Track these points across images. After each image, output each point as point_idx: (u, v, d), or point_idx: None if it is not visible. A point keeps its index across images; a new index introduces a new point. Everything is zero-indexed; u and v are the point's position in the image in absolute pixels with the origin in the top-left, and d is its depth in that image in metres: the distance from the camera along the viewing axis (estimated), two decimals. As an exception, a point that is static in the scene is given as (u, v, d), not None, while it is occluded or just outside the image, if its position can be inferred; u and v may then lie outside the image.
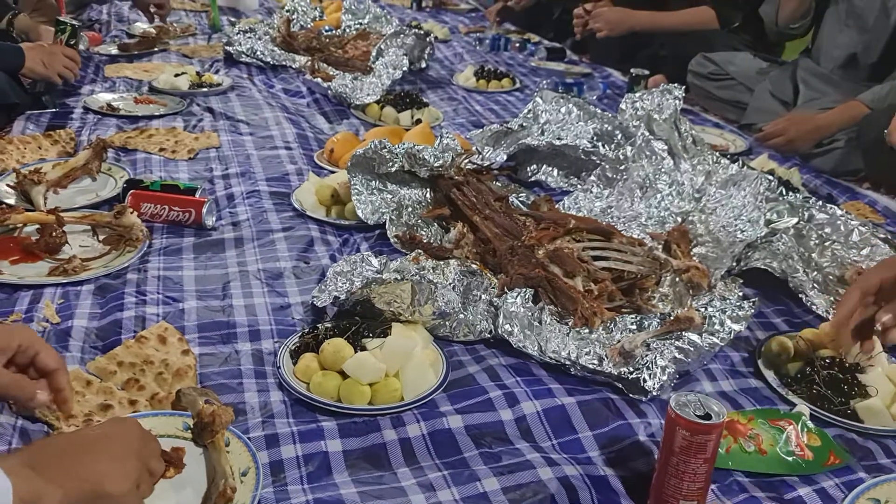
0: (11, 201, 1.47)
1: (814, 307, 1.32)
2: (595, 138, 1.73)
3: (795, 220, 1.44)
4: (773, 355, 1.15)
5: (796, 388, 1.10)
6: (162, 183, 1.52)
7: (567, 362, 1.10)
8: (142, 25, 2.95)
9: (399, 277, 1.12)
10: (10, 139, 1.77)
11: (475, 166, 1.68)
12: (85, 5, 3.31)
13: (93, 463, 0.74)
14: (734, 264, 1.37)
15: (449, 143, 1.62)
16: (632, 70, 2.38)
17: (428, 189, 1.59)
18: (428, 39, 2.63)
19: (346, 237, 1.48)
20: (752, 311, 1.18)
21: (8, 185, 1.52)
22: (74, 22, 2.12)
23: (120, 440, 0.78)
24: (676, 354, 1.07)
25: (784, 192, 1.52)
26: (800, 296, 1.33)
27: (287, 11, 2.96)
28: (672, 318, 1.13)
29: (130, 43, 2.69)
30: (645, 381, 1.05)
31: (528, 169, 1.81)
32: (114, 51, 2.62)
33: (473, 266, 1.24)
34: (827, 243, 1.41)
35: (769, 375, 1.13)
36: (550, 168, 1.80)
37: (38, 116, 1.96)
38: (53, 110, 2.01)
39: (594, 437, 0.99)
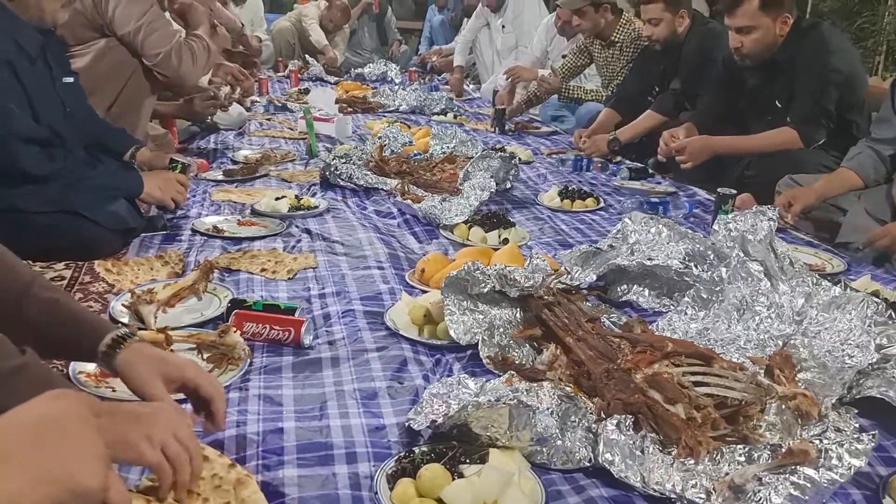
0: (125, 320, 1.56)
1: (939, 441, 1.23)
2: (687, 258, 1.71)
3: (909, 345, 1.36)
4: (899, 495, 1.07)
5: (929, 532, 1.01)
6: (264, 303, 1.59)
7: (672, 495, 1.05)
8: (244, 152, 3.17)
9: (494, 401, 1.11)
10: (126, 261, 1.91)
11: (564, 286, 1.69)
12: (195, 136, 3.60)
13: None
14: (845, 392, 1.30)
15: (539, 263, 1.64)
16: (719, 189, 2.38)
17: (518, 309, 1.60)
18: (513, 162, 2.71)
19: (439, 357, 1.49)
20: (872, 444, 1.10)
21: (123, 305, 1.62)
22: (185, 160, 2.35)
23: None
24: (792, 491, 1.01)
25: (894, 316, 1.45)
26: (922, 429, 1.25)
27: (379, 138, 3.14)
28: (785, 450, 1.07)
29: (235, 168, 2.89)
30: (759, 519, 0.99)
31: (619, 289, 1.80)
32: (220, 176, 2.82)
33: (568, 389, 1.22)
34: (947, 371, 1.33)
35: (897, 517, 1.05)
36: (641, 288, 1.78)
37: (152, 238, 2.10)
38: (164, 232, 2.15)
39: (707, 580, 0.93)
